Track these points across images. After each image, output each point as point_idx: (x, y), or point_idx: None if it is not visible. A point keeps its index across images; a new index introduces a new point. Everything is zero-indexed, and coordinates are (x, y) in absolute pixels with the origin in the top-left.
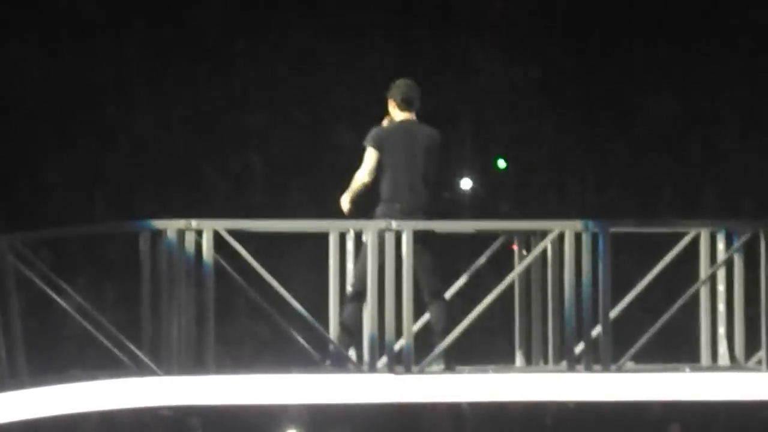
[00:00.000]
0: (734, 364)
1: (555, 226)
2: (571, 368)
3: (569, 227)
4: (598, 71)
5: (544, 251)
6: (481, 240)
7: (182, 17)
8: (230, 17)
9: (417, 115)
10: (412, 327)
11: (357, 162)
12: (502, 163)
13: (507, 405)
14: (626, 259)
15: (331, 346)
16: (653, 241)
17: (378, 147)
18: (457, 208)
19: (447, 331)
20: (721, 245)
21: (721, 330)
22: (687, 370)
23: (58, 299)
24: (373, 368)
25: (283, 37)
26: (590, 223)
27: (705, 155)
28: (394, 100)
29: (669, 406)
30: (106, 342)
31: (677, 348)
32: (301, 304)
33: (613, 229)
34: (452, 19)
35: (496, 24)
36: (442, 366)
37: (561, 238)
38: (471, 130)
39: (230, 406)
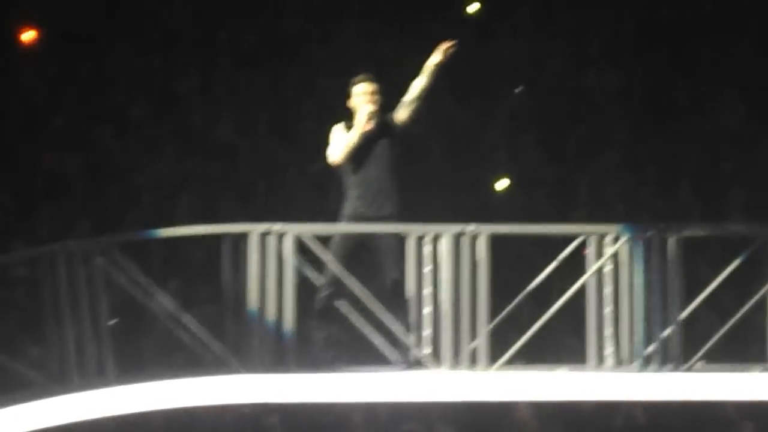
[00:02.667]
0: None
1: (625, 231)
2: (642, 368)
3: (640, 231)
4: (670, 77)
5: (615, 253)
6: (550, 243)
7: (266, 26)
8: (313, 26)
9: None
10: (488, 325)
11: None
12: (502, 184)
13: (579, 404)
14: (700, 260)
15: (406, 347)
16: (726, 243)
17: None
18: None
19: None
20: None
21: None
22: (759, 370)
23: (144, 300)
24: (452, 366)
25: (365, 45)
26: (659, 227)
27: None
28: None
29: (741, 406)
30: (189, 341)
31: (748, 348)
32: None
33: (684, 234)
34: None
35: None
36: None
37: (632, 241)
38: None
39: (309, 404)
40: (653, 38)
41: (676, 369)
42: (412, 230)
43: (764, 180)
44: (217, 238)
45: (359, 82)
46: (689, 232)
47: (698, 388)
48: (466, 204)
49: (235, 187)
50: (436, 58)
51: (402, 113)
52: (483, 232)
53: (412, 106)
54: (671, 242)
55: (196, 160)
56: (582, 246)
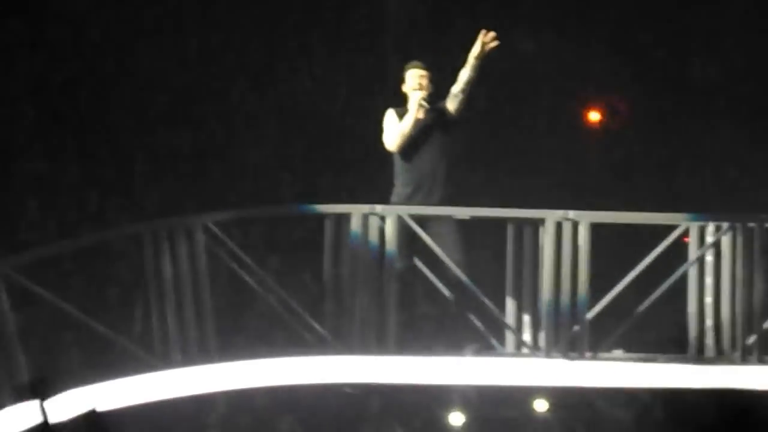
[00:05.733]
0: None
1: (728, 220)
2: (744, 360)
3: (741, 220)
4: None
5: (718, 243)
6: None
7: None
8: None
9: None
10: (587, 312)
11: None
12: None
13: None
14: None
15: (506, 331)
16: None
17: None
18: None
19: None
20: None
21: None
22: None
23: (247, 278)
24: (548, 353)
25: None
26: (762, 217)
27: None
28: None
29: None
30: (291, 321)
31: None
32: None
33: None
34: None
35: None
36: (617, 352)
37: (734, 231)
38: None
39: (408, 386)
40: (758, 29)
41: None
42: (512, 215)
43: None
44: (318, 218)
45: (411, 68)
46: None
47: None
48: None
49: (336, 167)
50: (476, 50)
51: (450, 104)
52: (584, 218)
53: (459, 98)
54: None
55: (298, 140)
56: (683, 235)
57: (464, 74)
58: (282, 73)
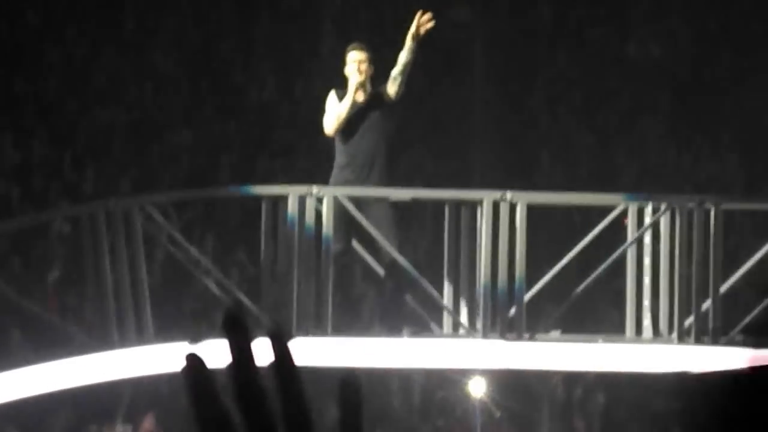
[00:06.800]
0: None
1: (666, 201)
2: (681, 340)
3: (680, 202)
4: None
5: (657, 225)
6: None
7: None
8: None
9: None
10: (525, 294)
11: None
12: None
13: (616, 375)
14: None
15: (446, 311)
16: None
17: None
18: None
19: None
20: None
21: None
22: None
23: (184, 260)
24: (485, 334)
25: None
26: (701, 199)
27: None
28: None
29: None
30: (226, 302)
31: None
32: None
33: (724, 206)
34: None
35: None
36: (555, 333)
37: (673, 213)
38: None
39: (345, 368)
40: (699, 5)
41: (714, 342)
42: (449, 196)
43: None
44: (254, 199)
45: (350, 50)
46: (730, 204)
47: (735, 361)
48: (503, 174)
49: (273, 148)
50: (412, 31)
51: (390, 87)
52: (521, 199)
53: (398, 80)
54: (713, 214)
55: (235, 121)
56: (622, 216)
57: (402, 56)
58: (218, 54)
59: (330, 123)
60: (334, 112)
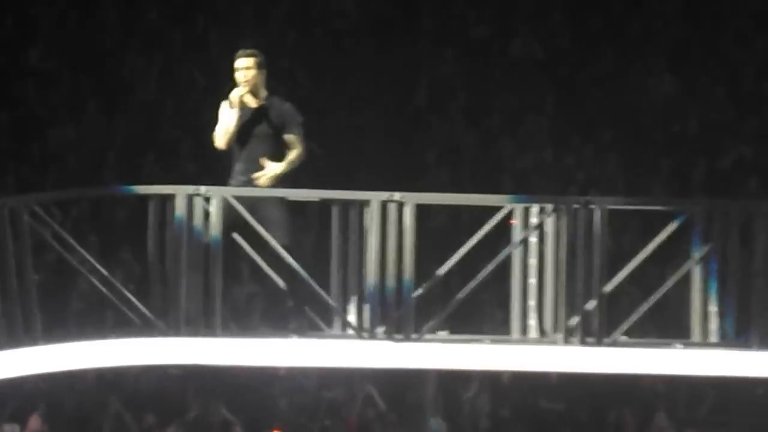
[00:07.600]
0: None
1: (552, 202)
2: (566, 341)
3: (565, 202)
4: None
5: (542, 225)
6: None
7: None
8: None
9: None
10: (413, 294)
11: None
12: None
13: (502, 375)
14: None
15: (334, 311)
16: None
17: None
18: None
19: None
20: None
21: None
22: (679, 346)
23: (71, 259)
24: (373, 334)
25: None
26: (586, 200)
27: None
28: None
29: (661, 381)
30: (115, 301)
31: (669, 324)
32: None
33: (609, 206)
34: None
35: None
36: (442, 333)
37: (558, 212)
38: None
39: (234, 367)
40: (580, 5)
41: (598, 343)
42: (337, 197)
43: (690, 152)
44: (141, 198)
45: (237, 57)
46: (614, 204)
47: (619, 362)
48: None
49: (159, 147)
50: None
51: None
52: (409, 200)
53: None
54: (596, 214)
55: (120, 119)
56: (509, 217)
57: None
58: (104, 50)
59: (219, 137)
60: (223, 125)
